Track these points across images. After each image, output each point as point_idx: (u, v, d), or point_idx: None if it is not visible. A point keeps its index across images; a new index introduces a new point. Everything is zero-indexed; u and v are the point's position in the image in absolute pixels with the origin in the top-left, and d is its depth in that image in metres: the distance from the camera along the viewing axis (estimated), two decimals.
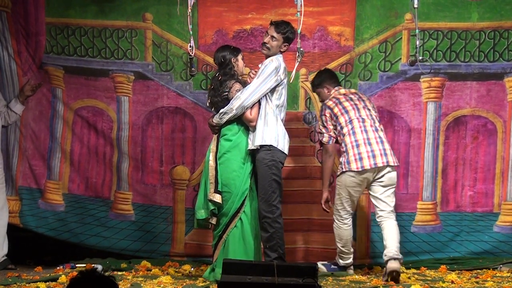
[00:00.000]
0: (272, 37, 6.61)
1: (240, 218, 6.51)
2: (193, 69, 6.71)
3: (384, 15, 7.57)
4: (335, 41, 7.63)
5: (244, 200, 6.52)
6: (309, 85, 7.61)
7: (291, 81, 6.75)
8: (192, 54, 6.59)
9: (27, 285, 6.39)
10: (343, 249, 6.89)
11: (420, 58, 6.48)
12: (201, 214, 6.58)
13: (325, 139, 6.94)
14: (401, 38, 7.56)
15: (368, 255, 7.52)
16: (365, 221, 7.54)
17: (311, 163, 7.62)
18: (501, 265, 7.23)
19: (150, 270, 7.10)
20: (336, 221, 6.87)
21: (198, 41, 7.66)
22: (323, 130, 6.94)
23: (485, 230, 7.48)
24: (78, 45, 7.84)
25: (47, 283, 6.43)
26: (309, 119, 7.65)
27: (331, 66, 7.61)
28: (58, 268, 7.17)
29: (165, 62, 7.80)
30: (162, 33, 7.76)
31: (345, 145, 6.76)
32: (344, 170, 6.75)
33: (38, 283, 6.41)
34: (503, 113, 7.51)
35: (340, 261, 6.96)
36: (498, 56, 7.50)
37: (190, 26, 6.57)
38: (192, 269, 7.22)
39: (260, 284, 5.00)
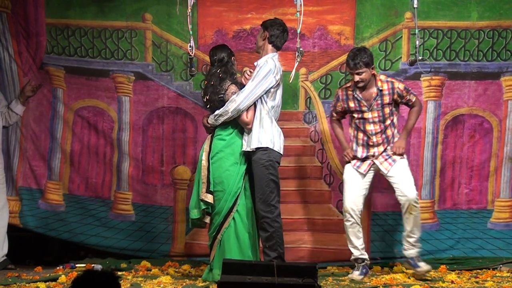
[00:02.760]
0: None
1: (233, 218, 6.51)
2: (193, 69, 6.71)
3: (384, 14, 7.57)
4: (335, 40, 7.63)
5: (237, 199, 6.52)
6: (309, 85, 7.62)
7: (290, 81, 6.75)
8: (192, 54, 6.59)
9: (27, 285, 6.42)
10: None
11: (420, 57, 6.47)
12: (194, 213, 6.60)
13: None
14: (401, 37, 7.55)
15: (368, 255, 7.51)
16: (365, 221, 7.52)
17: (311, 163, 7.62)
18: (501, 265, 7.24)
19: (150, 270, 7.13)
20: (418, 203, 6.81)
21: (198, 41, 7.66)
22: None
23: (480, 227, 7.51)
24: (79, 46, 7.85)
25: (47, 283, 6.46)
26: (309, 118, 7.64)
27: (331, 65, 7.62)
28: (58, 268, 7.21)
29: (165, 63, 7.81)
30: (161, 33, 7.77)
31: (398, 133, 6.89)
32: (405, 156, 6.88)
33: (38, 283, 6.45)
34: (498, 112, 7.52)
35: (420, 244, 6.82)
36: (496, 56, 7.50)
37: (190, 26, 6.57)
38: (191, 269, 7.23)
39: (260, 284, 5.00)
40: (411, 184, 6.68)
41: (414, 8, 6.46)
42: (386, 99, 6.73)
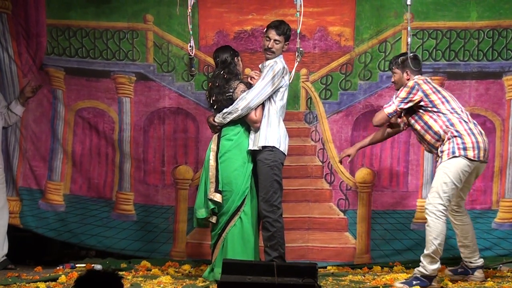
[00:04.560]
0: (275, 40, 6.63)
1: (240, 217, 6.54)
2: (193, 69, 6.73)
3: (384, 15, 7.57)
4: (335, 41, 7.65)
5: (244, 199, 6.55)
6: (310, 85, 7.64)
7: (291, 81, 6.78)
8: (192, 54, 6.60)
9: (27, 285, 6.42)
10: (439, 247, 6.28)
11: (411, 55, 6.42)
12: (201, 213, 6.61)
13: (391, 109, 6.45)
14: (401, 37, 7.55)
15: (368, 254, 7.55)
16: (365, 219, 7.56)
17: (311, 162, 7.63)
18: (501, 265, 7.22)
19: (150, 270, 7.13)
20: (436, 213, 6.25)
21: (199, 42, 7.68)
22: (397, 103, 6.42)
23: (484, 227, 7.48)
24: (80, 47, 7.86)
25: (47, 283, 6.46)
26: (310, 119, 7.66)
27: (331, 66, 7.64)
28: (58, 268, 7.22)
29: (166, 63, 7.82)
30: (163, 34, 7.78)
31: (455, 130, 6.34)
32: (457, 155, 6.30)
33: (38, 283, 6.44)
34: (501, 112, 7.50)
35: (430, 266, 6.25)
36: (497, 55, 7.49)
37: (190, 26, 6.58)
38: (191, 269, 7.24)
39: (260, 284, 5.01)
40: (430, 192, 6.35)
41: (408, 5, 6.43)
42: None
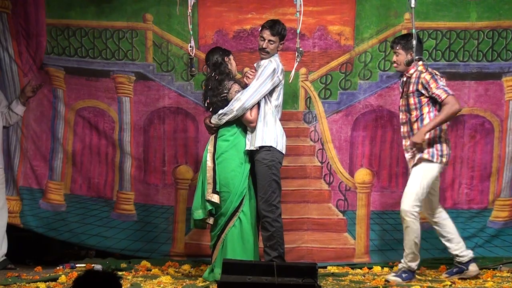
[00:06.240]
0: (270, 41, 6.64)
1: (239, 218, 6.55)
2: (193, 69, 6.74)
3: (384, 14, 7.58)
4: (335, 40, 7.64)
5: (243, 199, 6.56)
6: (309, 84, 7.63)
7: (290, 81, 6.78)
8: (192, 54, 6.61)
9: (27, 285, 6.42)
10: (419, 244, 6.54)
11: (417, 57, 6.43)
12: (198, 214, 6.62)
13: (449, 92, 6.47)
14: None
15: (367, 255, 7.55)
16: (364, 220, 7.56)
17: (310, 162, 7.63)
18: (501, 265, 7.23)
19: (150, 270, 7.14)
20: (414, 214, 6.47)
21: (199, 42, 7.67)
22: (447, 89, 6.48)
23: (479, 226, 7.53)
24: (79, 46, 7.86)
25: (47, 283, 6.47)
26: (309, 118, 7.65)
27: (331, 65, 7.63)
28: (58, 268, 7.22)
29: (166, 63, 7.81)
30: (162, 33, 7.78)
31: (439, 134, 6.51)
32: (436, 160, 6.49)
33: (38, 283, 6.45)
34: (500, 113, 7.51)
35: (414, 263, 6.57)
36: (496, 56, 7.49)
37: (190, 26, 6.58)
38: (191, 269, 7.24)
39: (260, 284, 5.02)
40: (409, 194, 6.49)
41: (412, 8, 6.45)
42: (410, 88, 6.53)
